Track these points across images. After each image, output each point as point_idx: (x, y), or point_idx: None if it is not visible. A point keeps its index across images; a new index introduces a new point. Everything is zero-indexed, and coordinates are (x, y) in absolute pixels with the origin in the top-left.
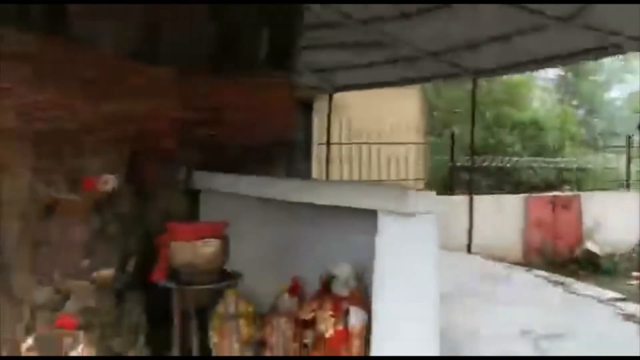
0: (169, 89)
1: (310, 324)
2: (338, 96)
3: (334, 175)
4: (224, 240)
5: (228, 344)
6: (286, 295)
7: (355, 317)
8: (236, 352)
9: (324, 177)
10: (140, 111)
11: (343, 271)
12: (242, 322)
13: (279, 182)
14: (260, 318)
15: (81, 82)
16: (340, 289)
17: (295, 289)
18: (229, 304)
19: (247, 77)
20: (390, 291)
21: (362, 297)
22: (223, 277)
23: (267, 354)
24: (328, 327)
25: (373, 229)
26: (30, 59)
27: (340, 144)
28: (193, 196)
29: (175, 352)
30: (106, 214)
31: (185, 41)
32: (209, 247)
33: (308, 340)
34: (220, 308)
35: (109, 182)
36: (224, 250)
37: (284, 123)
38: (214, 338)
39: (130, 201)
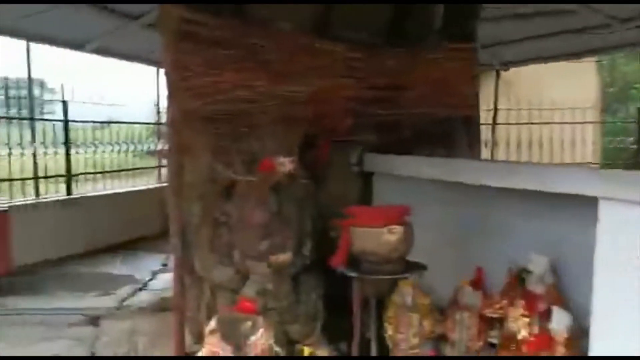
0: (345, 67)
1: (497, 321)
2: (505, 73)
3: (500, 158)
4: (408, 227)
5: (405, 337)
6: (468, 288)
7: (559, 320)
8: (414, 346)
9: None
10: (316, 90)
11: (539, 265)
12: (418, 315)
13: (468, 164)
14: (438, 311)
15: (260, 62)
16: (535, 285)
17: (479, 282)
18: (405, 294)
19: (424, 50)
20: (614, 287)
21: (561, 296)
22: (406, 267)
23: (448, 350)
24: (520, 328)
25: (581, 217)
26: (210, 41)
27: (507, 124)
28: (366, 179)
29: (355, 342)
30: (283, 196)
31: (360, 16)
32: (393, 235)
33: (494, 338)
34: (395, 298)
35: (286, 164)
36: (408, 238)
37: (465, 99)
38: (388, 330)
39: (304, 184)
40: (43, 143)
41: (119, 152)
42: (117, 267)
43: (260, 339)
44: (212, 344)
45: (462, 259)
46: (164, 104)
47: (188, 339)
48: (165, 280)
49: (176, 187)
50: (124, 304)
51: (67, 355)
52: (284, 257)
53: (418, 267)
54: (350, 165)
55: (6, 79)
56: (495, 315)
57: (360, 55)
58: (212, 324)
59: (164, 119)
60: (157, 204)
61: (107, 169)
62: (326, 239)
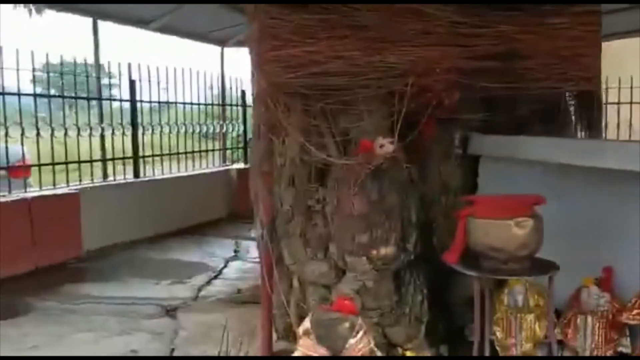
0: (451, 33)
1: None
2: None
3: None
4: (539, 220)
5: (516, 341)
6: (594, 289)
7: None
8: (527, 352)
9: None
10: (419, 60)
11: None
12: (531, 317)
13: (610, 146)
14: (555, 314)
15: (355, 28)
16: None
17: (607, 282)
18: (516, 294)
19: (544, 14)
20: None
21: None
22: (535, 266)
23: (567, 354)
24: None
25: None
26: (301, 5)
27: (617, 103)
28: (470, 164)
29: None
30: (384, 182)
31: None
32: (522, 229)
33: (625, 347)
34: (505, 298)
35: (387, 145)
36: (539, 233)
37: (589, 72)
38: (497, 333)
39: (408, 169)
40: (111, 124)
41: (184, 133)
42: (187, 253)
43: (359, 342)
44: (306, 347)
45: (587, 255)
46: (228, 84)
47: (273, 336)
48: (238, 269)
49: (264, 170)
50: (200, 294)
51: (146, 350)
52: (386, 251)
53: (550, 267)
54: (453, 148)
55: (74, 60)
56: (632, 322)
57: (468, 20)
58: (307, 324)
59: (227, 100)
60: (224, 188)
61: (172, 151)
62: (432, 232)
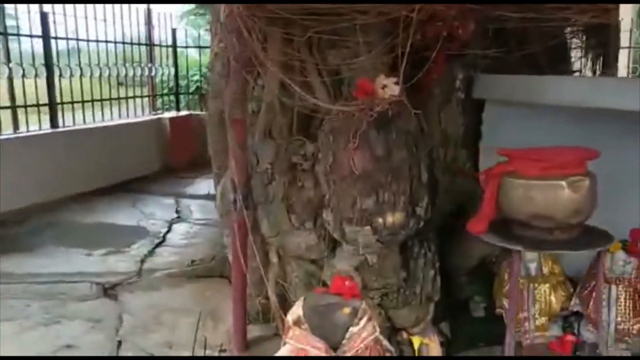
0: None
1: None
2: None
3: None
4: (593, 180)
5: (528, 315)
6: (619, 254)
7: None
8: (541, 327)
9: None
10: None
11: None
12: (545, 287)
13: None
14: (570, 282)
15: None
16: None
17: (635, 246)
18: (528, 261)
19: None
20: None
21: None
22: (585, 236)
23: (588, 329)
24: None
25: None
26: None
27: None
28: (474, 110)
29: (508, 342)
30: (390, 133)
31: None
32: (577, 190)
33: None
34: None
35: (392, 86)
36: (594, 197)
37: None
38: (507, 305)
39: (417, 116)
40: (20, 65)
41: (107, 77)
42: (121, 215)
43: (363, 331)
44: (298, 339)
45: (610, 215)
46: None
47: None
48: (184, 233)
49: (235, 118)
50: (144, 267)
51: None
52: (395, 218)
53: (604, 238)
54: (454, 91)
55: None
56: None
57: None
58: (298, 311)
59: (157, 41)
60: (156, 139)
61: (96, 97)
62: (444, 195)
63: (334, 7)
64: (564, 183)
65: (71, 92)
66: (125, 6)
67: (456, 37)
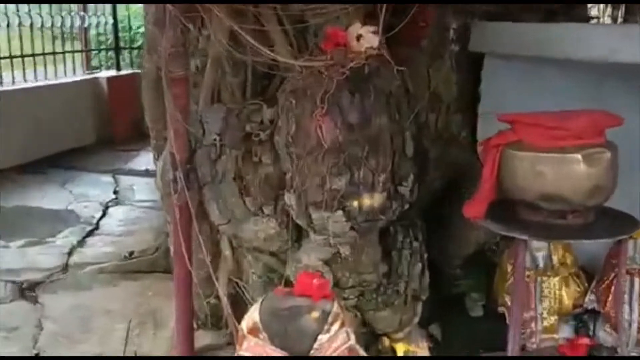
0: None
1: None
2: None
3: None
4: (614, 151)
5: (533, 314)
6: None
7: None
8: (551, 328)
9: None
10: None
11: None
12: (555, 281)
13: None
14: (585, 275)
15: None
16: None
17: None
18: (534, 250)
19: None
20: None
21: None
22: (605, 221)
23: (605, 330)
24: None
25: None
26: None
27: None
28: (470, 65)
29: (511, 344)
30: (368, 96)
31: None
32: (594, 164)
33: None
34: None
35: (369, 37)
36: (615, 172)
37: None
38: (508, 303)
39: (400, 74)
40: None
41: (29, 28)
42: (46, 197)
43: (334, 339)
44: (254, 351)
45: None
46: None
47: None
48: (123, 219)
49: (174, 76)
50: (71, 261)
51: None
52: (373, 200)
53: (627, 223)
54: (446, 43)
55: None
56: None
57: None
58: (254, 316)
59: None
60: (91, 103)
61: (13, 53)
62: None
63: None
64: (579, 156)
65: None
66: None
67: None
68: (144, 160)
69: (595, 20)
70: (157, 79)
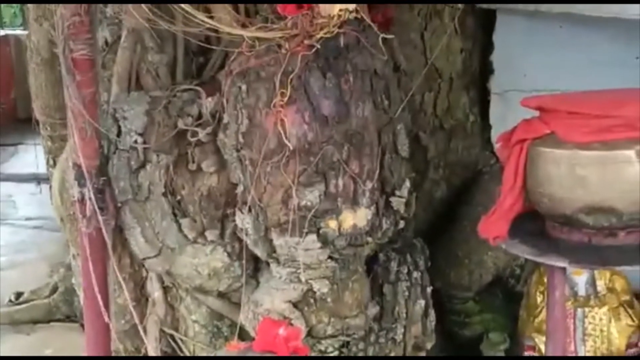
0: None
1: None
2: None
3: None
4: None
5: (574, 354)
6: None
7: None
8: None
9: None
10: None
11: None
12: (602, 312)
13: None
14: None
15: None
16: None
17: None
18: (574, 276)
19: None
20: None
21: None
22: None
23: None
24: None
25: None
26: None
27: None
28: (480, 28)
29: None
30: (344, 77)
31: None
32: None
33: None
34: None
35: None
36: None
37: None
38: (540, 343)
39: (386, 43)
40: None
41: None
42: None
43: None
44: None
45: None
46: None
47: None
48: (6, 245)
49: (76, 56)
50: None
51: None
52: (356, 218)
53: None
54: None
55: None
56: None
57: None
58: None
59: None
60: None
61: None
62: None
63: None
64: (632, 153)
65: None
66: None
67: None
68: (27, 159)
69: None
70: (52, 57)
